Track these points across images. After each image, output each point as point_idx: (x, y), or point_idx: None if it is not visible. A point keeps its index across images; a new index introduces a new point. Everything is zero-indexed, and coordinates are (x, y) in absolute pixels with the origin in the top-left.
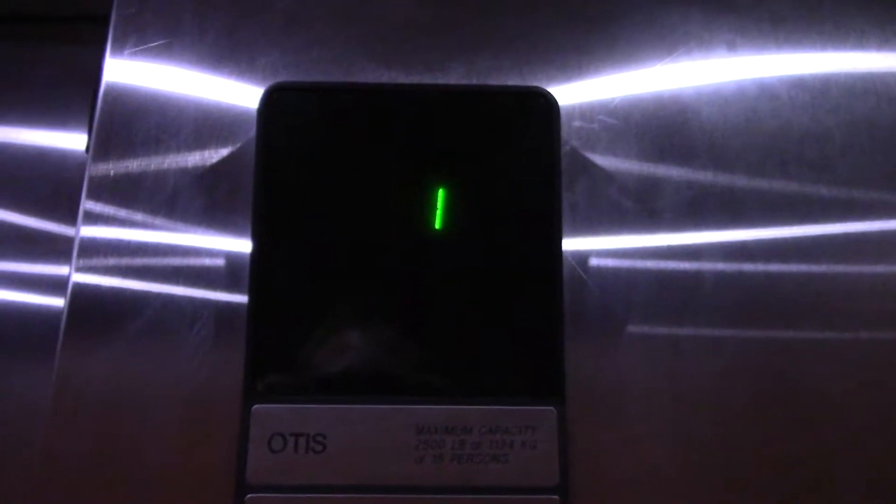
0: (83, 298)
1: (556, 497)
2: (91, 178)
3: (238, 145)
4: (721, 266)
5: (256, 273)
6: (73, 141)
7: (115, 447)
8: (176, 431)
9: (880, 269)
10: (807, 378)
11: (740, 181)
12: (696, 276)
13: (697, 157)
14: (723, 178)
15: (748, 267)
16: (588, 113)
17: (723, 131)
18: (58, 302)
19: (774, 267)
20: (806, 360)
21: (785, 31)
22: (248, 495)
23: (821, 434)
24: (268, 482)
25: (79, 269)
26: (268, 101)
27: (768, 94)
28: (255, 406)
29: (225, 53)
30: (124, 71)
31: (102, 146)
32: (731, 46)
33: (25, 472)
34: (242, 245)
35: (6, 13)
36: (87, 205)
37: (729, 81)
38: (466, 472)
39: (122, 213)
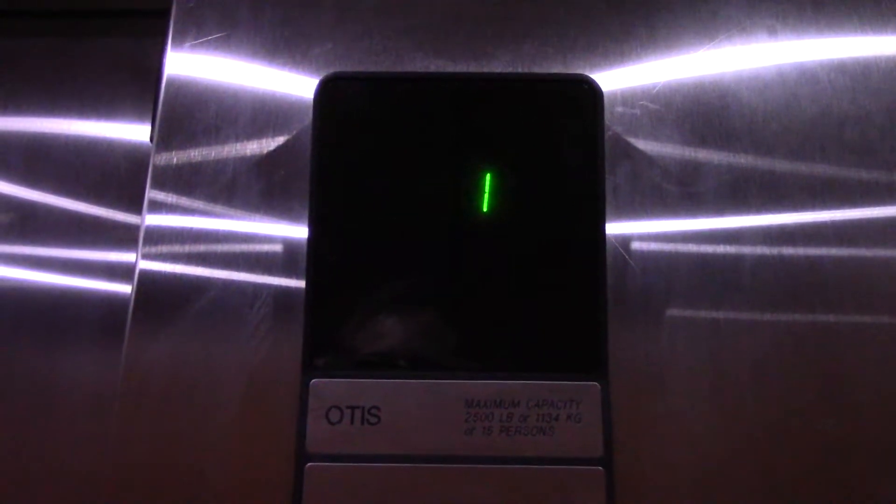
0: (149, 284)
1: (599, 468)
2: (155, 168)
3: (294, 133)
4: (761, 249)
5: (313, 255)
6: (120, 131)
7: (182, 422)
8: (239, 405)
9: None
10: (846, 360)
11: (781, 165)
12: (737, 258)
13: (738, 142)
14: (763, 163)
15: (788, 250)
16: (630, 99)
17: (763, 116)
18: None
19: (814, 250)
20: (846, 343)
21: (826, 15)
22: (308, 464)
23: (861, 415)
24: (326, 452)
25: (145, 257)
26: (323, 90)
27: (809, 79)
28: (314, 380)
29: (280, 45)
30: (185, 63)
31: (165, 136)
32: (772, 32)
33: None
34: (299, 229)
35: (60, 8)
36: (151, 193)
37: (769, 66)
38: (514, 444)
39: (185, 201)
